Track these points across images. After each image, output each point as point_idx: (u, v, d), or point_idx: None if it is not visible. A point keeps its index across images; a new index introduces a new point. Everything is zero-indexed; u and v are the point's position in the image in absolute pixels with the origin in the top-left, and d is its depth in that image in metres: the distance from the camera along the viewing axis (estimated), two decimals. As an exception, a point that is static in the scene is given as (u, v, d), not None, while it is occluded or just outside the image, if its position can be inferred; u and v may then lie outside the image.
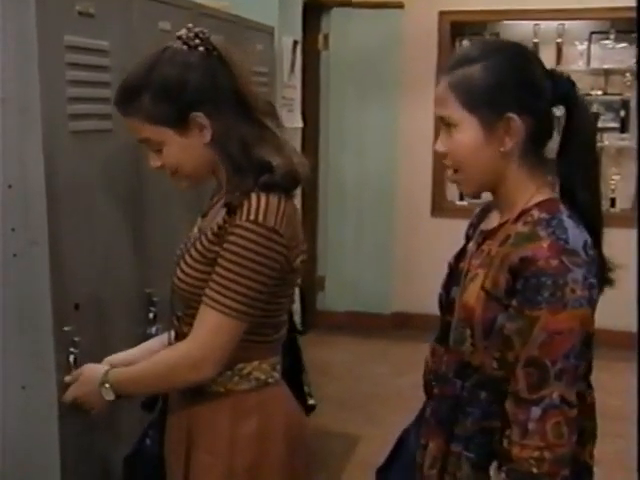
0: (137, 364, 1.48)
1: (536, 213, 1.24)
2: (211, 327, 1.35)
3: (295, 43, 3.05)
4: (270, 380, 1.44)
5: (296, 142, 3.24)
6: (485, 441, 1.26)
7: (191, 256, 1.39)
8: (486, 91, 1.23)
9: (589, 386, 1.31)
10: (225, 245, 1.33)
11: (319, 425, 3.49)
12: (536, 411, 1.17)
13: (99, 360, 1.53)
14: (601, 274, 1.27)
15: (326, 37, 4.84)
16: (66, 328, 1.53)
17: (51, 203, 1.49)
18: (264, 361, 1.43)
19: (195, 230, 1.47)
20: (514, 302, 1.20)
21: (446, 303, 1.38)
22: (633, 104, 4.64)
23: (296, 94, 3.13)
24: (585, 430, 1.27)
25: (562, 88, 1.27)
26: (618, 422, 3.31)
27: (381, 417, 3.62)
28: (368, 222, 4.97)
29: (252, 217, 1.31)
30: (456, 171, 1.29)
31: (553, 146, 1.29)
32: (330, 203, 5.03)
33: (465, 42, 4.85)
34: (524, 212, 1.26)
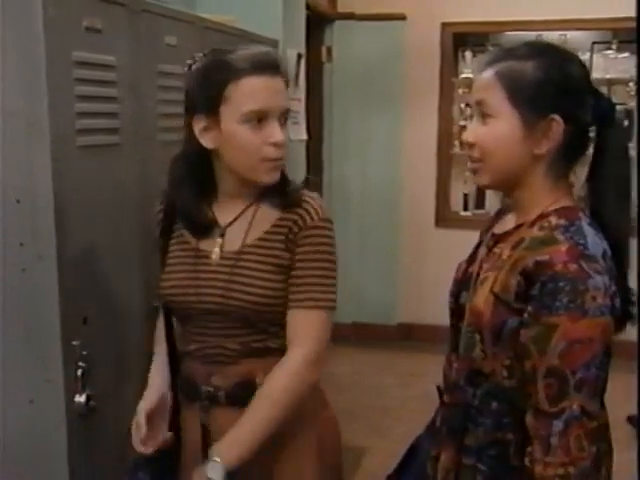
0: (248, 416, 1.34)
1: (554, 220, 1.20)
2: (320, 325, 1.41)
3: (299, 56, 3.06)
4: None
5: (301, 154, 3.25)
6: (498, 454, 1.22)
7: (259, 270, 1.38)
8: (535, 88, 1.19)
9: (602, 406, 1.23)
10: (307, 248, 1.40)
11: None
12: (558, 425, 1.12)
13: (107, 373, 1.53)
14: (625, 309, 1.22)
15: (329, 49, 4.86)
16: (74, 342, 1.54)
17: (59, 217, 1.49)
18: None
19: (216, 249, 1.41)
20: (529, 308, 1.15)
21: (456, 309, 1.34)
22: (636, 114, 4.65)
23: (301, 107, 3.14)
24: (598, 452, 1.18)
25: (602, 108, 1.22)
26: (624, 431, 3.31)
27: (387, 428, 3.61)
28: (372, 233, 4.98)
29: (322, 215, 1.43)
30: (480, 160, 1.25)
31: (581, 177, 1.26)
32: (334, 214, 4.94)
33: (467, 53, 4.87)
34: (541, 217, 1.22)
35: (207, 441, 1.40)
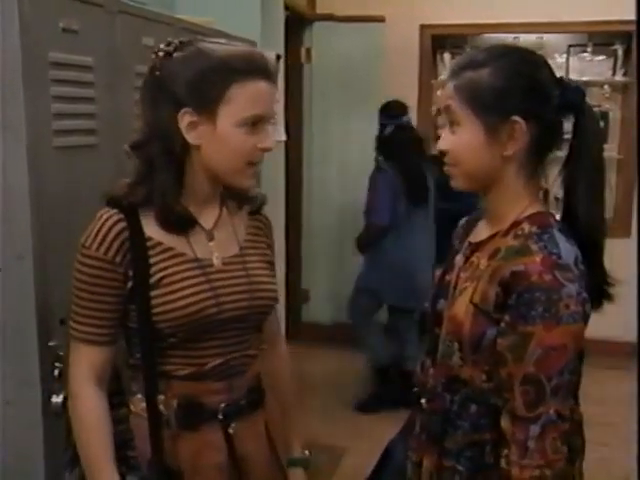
0: (293, 407, 1.63)
1: (527, 227, 1.23)
2: None
3: (278, 57, 3.06)
4: None
5: (280, 155, 3.26)
6: (474, 455, 1.25)
7: (263, 267, 1.43)
8: (492, 95, 1.22)
9: (576, 402, 1.28)
10: (272, 249, 1.50)
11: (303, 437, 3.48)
12: (535, 429, 1.15)
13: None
14: (601, 289, 1.26)
15: (308, 51, 4.88)
16: (51, 343, 1.53)
17: (36, 218, 1.49)
18: None
19: (216, 254, 1.36)
20: (506, 317, 1.18)
21: (433, 316, 1.36)
22: (616, 115, 4.71)
23: (279, 108, 3.15)
24: (573, 447, 1.24)
25: (571, 96, 1.25)
26: (600, 430, 3.35)
27: (367, 429, 3.62)
28: (352, 234, 4.99)
29: None
30: (453, 166, 1.29)
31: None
32: (314, 215, 5.04)
33: (446, 55, 4.91)
34: (515, 225, 1.25)
35: (236, 462, 1.38)
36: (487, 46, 1.31)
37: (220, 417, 1.35)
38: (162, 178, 1.30)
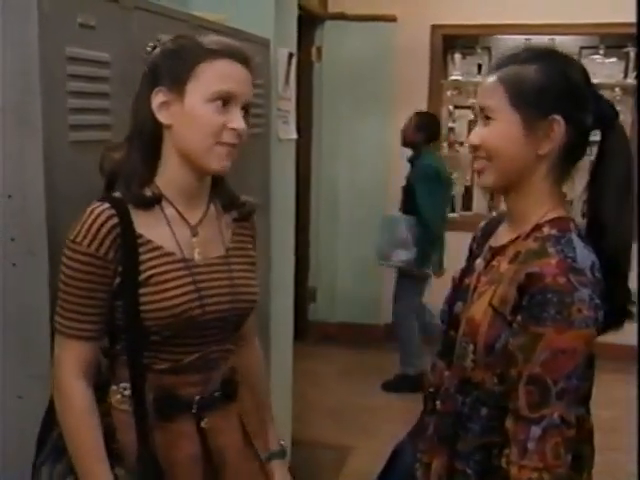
0: (268, 400, 1.65)
1: (546, 229, 1.24)
2: None
3: (290, 55, 3.06)
4: None
5: (291, 153, 3.26)
6: (483, 458, 1.25)
7: (247, 270, 1.44)
8: (536, 91, 1.22)
9: (587, 411, 1.28)
10: (254, 248, 1.50)
11: (310, 436, 3.49)
12: (536, 430, 1.15)
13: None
14: (624, 308, 1.26)
15: (319, 49, 4.88)
16: (64, 338, 1.53)
17: (51, 213, 1.49)
18: None
19: (197, 250, 1.37)
20: (519, 318, 1.18)
21: (449, 318, 1.37)
22: (627, 118, 4.69)
23: (291, 106, 3.14)
24: (582, 456, 1.24)
25: (604, 112, 1.26)
26: (607, 434, 3.34)
27: (372, 428, 3.63)
28: (360, 233, 5.00)
29: None
30: (486, 159, 1.28)
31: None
32: (323, 214, 5.05)
33: (457, 55, 4.91)
34: (536, 228, 1.25)
35: (210, 454, 1.40)
36: (528, 45, 1.32)
37: (194, 410, 1.37)
38: (133, 158, 1.36)
